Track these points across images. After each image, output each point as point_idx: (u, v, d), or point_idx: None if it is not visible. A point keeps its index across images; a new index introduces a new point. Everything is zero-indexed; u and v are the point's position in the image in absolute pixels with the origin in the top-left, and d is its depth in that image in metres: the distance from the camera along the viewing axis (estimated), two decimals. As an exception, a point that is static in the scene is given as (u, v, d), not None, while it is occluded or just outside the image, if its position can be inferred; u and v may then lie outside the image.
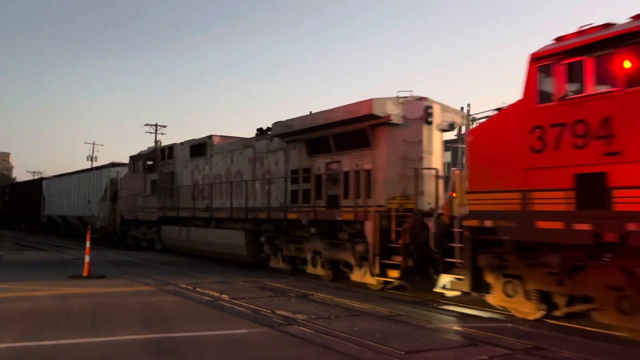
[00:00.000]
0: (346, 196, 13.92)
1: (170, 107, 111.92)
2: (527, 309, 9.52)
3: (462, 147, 11.38)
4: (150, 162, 22.76)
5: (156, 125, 56.66)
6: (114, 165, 30.67)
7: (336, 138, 14.33)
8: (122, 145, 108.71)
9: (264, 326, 8.59)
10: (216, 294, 11.73)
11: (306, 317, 9.21)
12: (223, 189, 18.91)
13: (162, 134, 59.66)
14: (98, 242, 25.49)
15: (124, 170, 27.17)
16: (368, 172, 13.22)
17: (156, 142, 57.17)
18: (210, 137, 20.31)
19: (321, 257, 14.46)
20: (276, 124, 15.75)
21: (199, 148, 20.68)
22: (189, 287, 12.89)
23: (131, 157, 24.46)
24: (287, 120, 15.60)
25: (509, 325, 9.06)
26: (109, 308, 10.33)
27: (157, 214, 21.66)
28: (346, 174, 13.97)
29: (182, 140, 21.82)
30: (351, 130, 13.71)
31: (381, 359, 6.81)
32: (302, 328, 8.43)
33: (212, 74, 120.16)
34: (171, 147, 22.32)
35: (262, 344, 7.62)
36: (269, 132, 16.81)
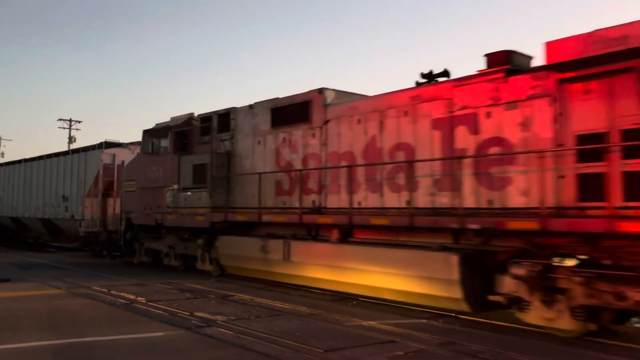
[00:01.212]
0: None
1: (86, 101, 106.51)
2: None
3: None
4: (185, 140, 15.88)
5: (70, 121, 54.30)
6: (108, 145, 21.56)
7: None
8: (30, 141, 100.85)
9: (181, 328, 8.45)
10: (132, 297, 11.32)
11: (226, 318, 9.17)
12: (363, 175, 11.33)
13: (77, 129, 56.26)
14: (83, 256, 20.85)
15: (123, 153, 20.89)
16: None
17: (70, 138, 54.60)
18: (321, 90, 12.40)
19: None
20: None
21: (294, 111, 13.03)
22: (103, 289, 12.34)
23: (147, 132, 16.96)
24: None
25: (424, 321, 9.37)
26: (13, 313, 9.68)
27: (208, 218, 14.29)
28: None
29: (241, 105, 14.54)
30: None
31: (300, 358, 6.91)
32: (221, 329, 8.38)
33: (134, 69, 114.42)
34: (226, 114, 14.95)
35: (179, 346, 7.47)
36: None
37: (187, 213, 15.39)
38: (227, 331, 8.29)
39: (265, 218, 13.00)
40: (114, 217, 20.59)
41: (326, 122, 12.39)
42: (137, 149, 21.12)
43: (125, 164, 20.85)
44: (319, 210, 12.25)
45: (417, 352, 7.18)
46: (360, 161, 11.49)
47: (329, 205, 12.14)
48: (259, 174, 13.42)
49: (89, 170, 21.32)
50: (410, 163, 10.39)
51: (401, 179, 10.64)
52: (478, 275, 9.21)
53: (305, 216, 12.03)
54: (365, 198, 11.25)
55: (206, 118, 15.82)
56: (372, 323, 9.02)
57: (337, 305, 10.95)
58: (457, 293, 9.21)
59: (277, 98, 13.84)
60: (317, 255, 11.63)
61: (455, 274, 9.16)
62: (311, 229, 12.55)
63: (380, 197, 11.05)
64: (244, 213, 13.77)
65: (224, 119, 15.15)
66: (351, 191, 11.43)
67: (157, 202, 16.60)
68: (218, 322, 8.92)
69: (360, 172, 11.44)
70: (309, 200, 12.54)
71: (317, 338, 7.79)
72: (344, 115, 11.98)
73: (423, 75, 11.12)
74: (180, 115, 16.96)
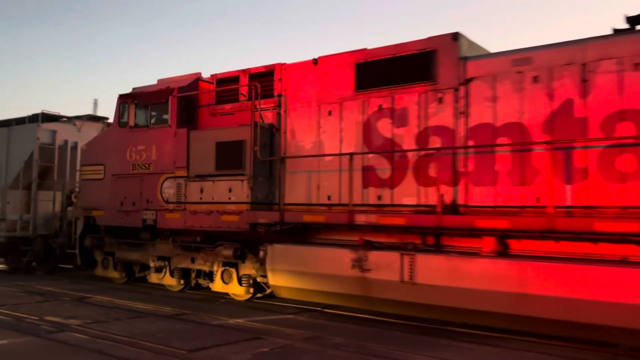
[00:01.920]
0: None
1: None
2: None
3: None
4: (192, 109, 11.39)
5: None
6: (46, 118, 15.57)
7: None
8: None
9: (29, 335, 7.78)
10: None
11: (81, 322, 8.64)
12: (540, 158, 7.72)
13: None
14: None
15: (67, 131, 15.25)
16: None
17: None
18: (455, 36, 8.67)
19: None
20: None
21: (400, 67, 9.15)
22: None
23: (126, 98, 12.20)
24: None
25: (291, 317, 9.33)
26: None
27: (246, 218, 9.99)
28: None
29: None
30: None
31: (161, 360, 6.58)
32: (76, 334, 7.83)
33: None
34: (267, 74, 10.65)
35: (24, 355, 6.85)
36: None
37: (206, 211, 10.79)
38: (82, 336, 7.82)
39: (361, 219, 8.88)
40: (54, 217, 15.12)
41: (467, 81, 8.58)
42: (91, 126, 15.95)
43: (71, 144, 15.54)
44: (454, 209, 8.42)
45: (283, 348, 7.21)
46: (539, 137, 7.83)
47: (471, 202, 8.36)
48: (351, 154, 9.21)
49: (16, 151, 15.11)
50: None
51: (629, 163, 7.16)
52: None
53: (446, 217, 8.11)
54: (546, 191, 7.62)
55: (229, 79, 11.34)
56: (239, 321, 8.84)
57: (205, 304, 10.56)
58: None
59: (366, 49, 9.76)
60: (474, 276, 7.75)
61: None
62: (426, 237, 8.68)
63: (585, 190, 7.49)
64: (317, 212, 9.53)
65: (263, 80, 10.72)
66: (523, 181, 7.82)
67: (146, 194, 11.80)
68: (72, 326, 8.40)
69: (533, 155, 7.83)
70: (430, 193, 8.70)
71: (181, 339, 7.62)
72: (503, 71, 8.24)
73: (630, 19, 7.71)
74: (176, 77, 12.23)
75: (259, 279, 10.59)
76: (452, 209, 8.42)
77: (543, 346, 7.37)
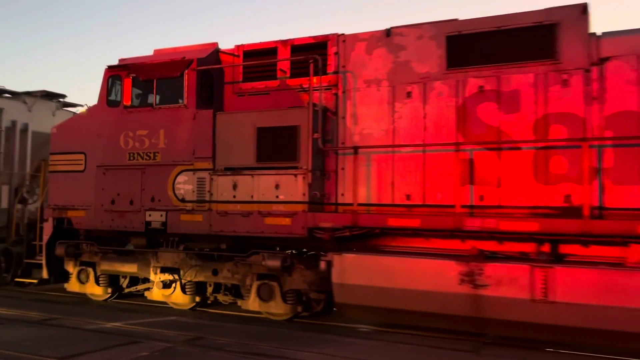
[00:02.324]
0: None
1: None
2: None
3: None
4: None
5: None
6: None
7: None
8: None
9: None
10: None
11: None
12: None
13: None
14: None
15: (15, 108, 12.18)
16: None
17: None
18: (584, 8, 7.31)
19: None
20: None
21: (509, 42, 7.68)
22: None
23: (119, 70, 9.88)
24: None
25: (173, 318, 8.95)
26: None
27: (303, 222, 8.18)
28: None
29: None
30: None
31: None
32: None
33: None
34: (318, 45, 8.81)
35: None
36: None
37: (242, 212, 8.70)
38: None
39: (473, 224, 7.30)
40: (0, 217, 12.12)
41: (600, 61, 7.27)
42: (44, 106, 13.06)
43: (20, 126, 12.56)
44: (591, 211, 7.07)
45: (164, 351, 6.94)
46: None
47: (610, 205, 7.07)
48: (457, 145, 7.58)
49: None
50: None
51: None
52: None
53: (596, 223, 6.75)
54: None
55: (262, 52, 9.29)
56: (117, 324, 8.40)
57: (77, 307, 9.91)
58: None
59: (458, 19, 8.16)
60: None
61: None
62: (541, 244, 7.30)
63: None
64: (408, 215, 7.81)
65: (313, 52, 8.77)
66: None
67: (151, 191, 9.47)
68: None
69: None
70: (551, 193, 7.33)
71: (50, 346, 7.12)
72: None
73: None
74: (184, 47, 9.97)
75: (312, 295, 8.71)
76: (585, 211, 7.05)
77: (420, 338, 7.63)
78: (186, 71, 9.32)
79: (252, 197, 8.67)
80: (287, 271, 8.68)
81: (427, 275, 7.48)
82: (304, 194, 8.31)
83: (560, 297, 6.78)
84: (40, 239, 10.82)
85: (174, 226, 9.27)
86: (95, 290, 10.41)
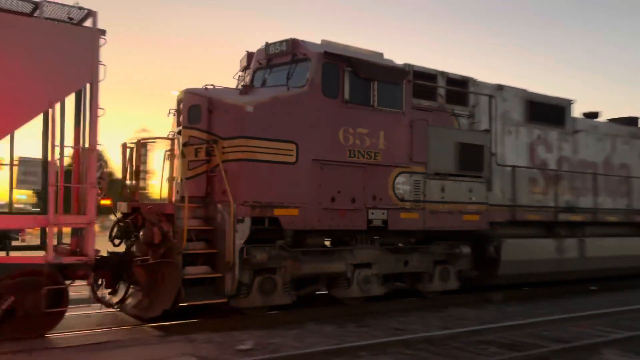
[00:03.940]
0: None
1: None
2: None
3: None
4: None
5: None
6: None
7: None
8: None
9: None
10: None
11: None
12: (593, 183, 13.55)
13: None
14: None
15: None
16: None
17: None
18: (569, 102, 13.34)
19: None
20: None
21: (549, 111, 12.88)
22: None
23: (337, 59, 8.57)
24: None
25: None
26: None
27: (486, 218, 10.89)
28: None
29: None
30: None
31: None
32: None
33: None
34: (462, 82, 11.32)
35: None
36: None
37: (448, 210, 10.71)
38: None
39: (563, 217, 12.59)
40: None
41: (574, 132, 13.77)
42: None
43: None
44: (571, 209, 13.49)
45: None
46: (601, 171, 14.29)
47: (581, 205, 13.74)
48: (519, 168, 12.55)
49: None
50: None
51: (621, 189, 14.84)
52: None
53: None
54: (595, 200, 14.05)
55: (426, 75, 11.21)
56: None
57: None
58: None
59: (529, 92, 12.93)
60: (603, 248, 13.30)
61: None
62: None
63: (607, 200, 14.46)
64: (538, 212, 12.13)
65: (457, 86, 11.59)
66: (586, 193, 13.93)
67: (372, 189, 9.81)
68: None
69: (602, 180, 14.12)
70: (563, 198, 13.24)
71: None
72: (588, 131, 14.05)
73: None
74: (360, 49, 10.47)
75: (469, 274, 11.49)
76: None
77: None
78: (405, 80, 10.16)
79: (455, 198, 10.77)
80: (459, 256, 11.17)
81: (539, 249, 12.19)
82: (486, 197, 11.24)
83: (590, 254, 13.06)
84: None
85: (395, 223, 9.95)
86: (281, 301, 9.08)
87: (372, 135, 9.71)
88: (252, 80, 10.12)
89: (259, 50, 10.21)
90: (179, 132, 9.26)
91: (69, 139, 7.56)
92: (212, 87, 9.39)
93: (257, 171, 8.57)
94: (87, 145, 7.36)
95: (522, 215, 12.01)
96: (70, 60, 7.04)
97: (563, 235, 12.78)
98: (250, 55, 10.48)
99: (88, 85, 7.23)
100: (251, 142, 8.54)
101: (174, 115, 9.62)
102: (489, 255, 11.42)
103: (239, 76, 10.96)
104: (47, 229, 7.07)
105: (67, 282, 7.48)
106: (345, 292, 9.83)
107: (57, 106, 7.11)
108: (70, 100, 7.41)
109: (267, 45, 9.95)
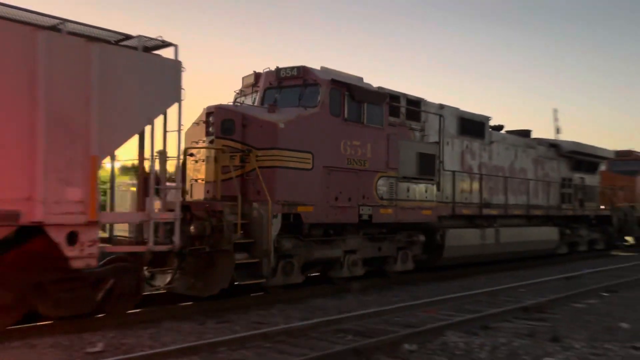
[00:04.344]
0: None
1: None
2: None
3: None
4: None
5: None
6: None
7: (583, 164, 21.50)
8: None
9: None
10: None
11: None
12: (504, 184, 17.02)
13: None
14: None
15: None
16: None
17: None
18: (487, 118, 16.77)
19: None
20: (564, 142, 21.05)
21: (474, 126, 16.10)
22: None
23: (339, 85, 11.21)
24: (560, 140, 21.49)
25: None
26: None
27: (435, 212, 13.78)
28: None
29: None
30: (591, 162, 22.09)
31: None
32: None
33: None
34: (416, 102, 14.22)
35: None
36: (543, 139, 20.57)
37: (411, 207, 13.37)
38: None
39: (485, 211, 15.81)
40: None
41: (490, 142, 17.09)
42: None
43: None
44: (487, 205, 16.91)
45: None
46: (507, 174, 17.87)
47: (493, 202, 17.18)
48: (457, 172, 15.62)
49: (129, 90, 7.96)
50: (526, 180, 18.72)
51: (520, 188, 18.61)
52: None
53: (511, 210, 16.68)
54: (503, 198, 17.85)
55: (396, 97, 13.76)
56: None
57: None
58: (555, 244, 19.35)
59: (459, 109, 15.95)
60: (512, 235, 16.89)
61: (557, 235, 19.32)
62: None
63: (512, 197, 18.14)
64: (468, 207, 15.17)
65: (413, 106, 14.33)
66: (497, 192, 17.76)
67: (361, 190, 12.19)
68: None
69: (508, 181, 17.72)
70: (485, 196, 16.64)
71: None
72: (499, 142, 17.53)
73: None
74: (349, 75, 12.71)
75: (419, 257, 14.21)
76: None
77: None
78: (385, 103, 12.61)
79: (416, 197, 13.45)
80: (415, 243, 13.87)
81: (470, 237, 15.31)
82: (436, 196, 14.06)
83: (502, 240, 16.50)
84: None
85: (377, 217, 12.37)
86: (297, 280, 11.14)
87: (362, 147, 12.04)
88: (263, 97, 12.01)
89: (268, 72, 12.11)
90: (211, 142, 10.95)
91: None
92: (240, 104, 11.19)
93: (287, 176, 10.58)
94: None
95: (459, 210, 14.99)
96: (164, 84, 8.61)
97: (485, 225, 16.02)
98: (257, 75, 12.32)
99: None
100: (283, 153, 10.52)
101: (204, 125, 11.22)
102: (436, 242, 14.27)
103: (241, 90, 12.78)
104: (144, 223, 8.61)
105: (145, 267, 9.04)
106: (338, 273, 12.10)
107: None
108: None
109: (278, 69, 11.90)
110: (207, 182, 11.03)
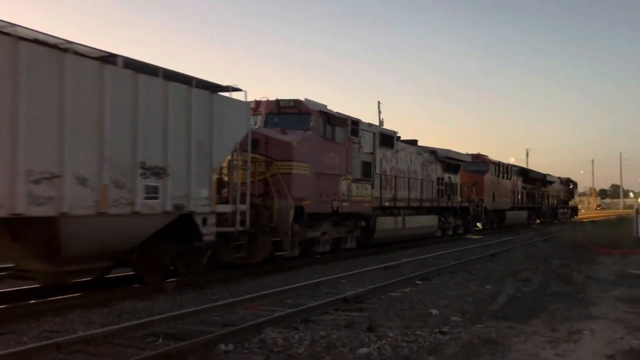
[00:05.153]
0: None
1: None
2: None
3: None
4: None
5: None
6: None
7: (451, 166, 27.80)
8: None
9: None
10: None
11: None
12: (406, 183, 22.64)
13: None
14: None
15: None
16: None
17: None
18: (395, 132, 22.52)
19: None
20: (439, 150, 26.85)
21: (388, 139, 21.57)
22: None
23: (322, 114, 16.33)
24: (436, 148, 26.71)
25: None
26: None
27: (371, 205, 19.27)
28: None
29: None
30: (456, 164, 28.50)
31: None
32: None
33: None
34: (356, 122, 19.16)
35: None
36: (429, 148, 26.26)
37: (357, 201, 18.54)
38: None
39: (390, 203, 21.52)
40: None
41: (397, 151, 22.85)
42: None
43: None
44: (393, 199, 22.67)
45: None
46: (407, 175, 23.76)
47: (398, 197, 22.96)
48: (386, 175, 21.22)
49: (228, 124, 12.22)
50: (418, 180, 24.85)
51: (414, 186, 24.71)
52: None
53: (412, 203, 22.48)
54: (406, 194, 23.74)
55: (350, 120, 18.77)
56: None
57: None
58: (435, 229, 25.75)
59: (380, 127, 21.39)
60: (410, 222, 22.74)
61: (437, 221, 25.77)
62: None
63: (412, 193, 24.09)
64: (391, 201, 20.73)
65: (355, 125, 19.50)
66: (401, 189, 23.65)
67: (333, 189, 17.07)
68: None
69: (409, 181, 23.62)
70: (391, 193, 22.31)
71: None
72: (402, 150, 23.36)
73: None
74: (316, 102, 17.47)
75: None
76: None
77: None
78: (348, 126, 17.57)
79: (361, 195, 18.62)
80: (358, 227, 19.03)
81: (390, 223, 20.92)
82: (372, 194, 19.37)
83: (406, 225, 22.38)
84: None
85: (341, 209, 17.25)
86: (296, 253, 15.67)
87: (334, 158, 16.86)
88: (265, 120, 16.24)
89: (269, 101, 16.34)
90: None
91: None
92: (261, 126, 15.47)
93: (297, 179, 15.06)
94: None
95: (383, 203, 20.46)
96: (242, 119, 12.75)
97: (396, 214, 21.71)
98: (258, 102, 16.50)
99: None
100: (295, 163, 15.00)
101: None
102: (370, 227, 19.57)
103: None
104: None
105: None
106: (317, 249, 16.85)
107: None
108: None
109: (278, 100, 16.25)
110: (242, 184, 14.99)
